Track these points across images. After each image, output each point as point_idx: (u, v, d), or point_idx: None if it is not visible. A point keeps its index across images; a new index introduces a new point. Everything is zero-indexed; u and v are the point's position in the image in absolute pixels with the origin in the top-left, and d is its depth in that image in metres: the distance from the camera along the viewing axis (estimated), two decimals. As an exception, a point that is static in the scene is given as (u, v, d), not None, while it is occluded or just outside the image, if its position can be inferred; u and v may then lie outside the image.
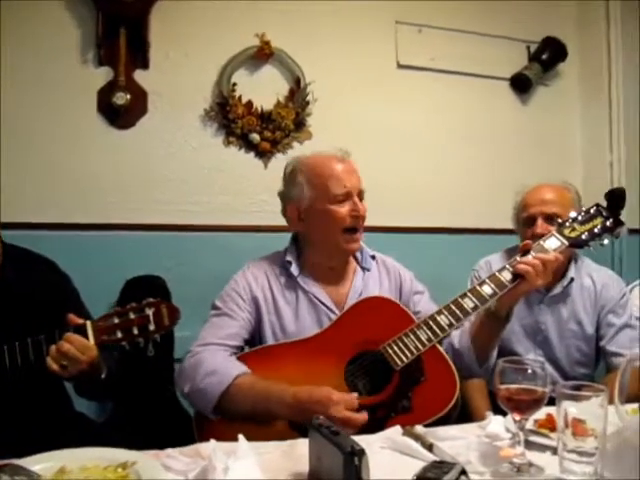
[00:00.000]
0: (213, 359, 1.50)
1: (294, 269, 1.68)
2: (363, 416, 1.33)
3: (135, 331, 1.40)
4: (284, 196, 1.75)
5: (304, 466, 1.02)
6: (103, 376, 1.51)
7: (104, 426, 2.24)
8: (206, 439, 1.20)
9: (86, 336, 1.39)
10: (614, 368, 1.89)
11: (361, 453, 0.86)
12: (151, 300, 1.43)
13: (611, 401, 1.08)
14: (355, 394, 1.37)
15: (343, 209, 1.62)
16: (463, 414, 1.60)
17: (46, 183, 2.45)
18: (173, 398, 2.47)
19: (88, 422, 1.83)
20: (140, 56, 2.61)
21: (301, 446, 1.13)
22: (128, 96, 2.54)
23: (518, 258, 1.54)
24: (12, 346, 1.40)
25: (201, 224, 2.67)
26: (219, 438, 1.15)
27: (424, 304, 1.72)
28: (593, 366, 2.02)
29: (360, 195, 1.65)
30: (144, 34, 2.58)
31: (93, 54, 2.56)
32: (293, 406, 1.37)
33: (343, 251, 1.67)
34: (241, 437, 1.06)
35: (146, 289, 2.54)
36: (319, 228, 1.66)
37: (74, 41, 2.54)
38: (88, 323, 1.40)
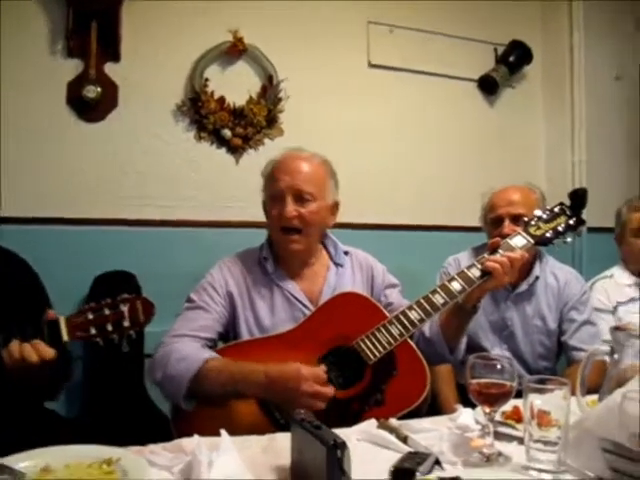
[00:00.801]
0: (183, 347, 1.52)
1: (269, 265, 1.70)
2: (330, 390, 1.38)
3: (109, 327, 1.37)
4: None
5: (285, 460, 1.05)
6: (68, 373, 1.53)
7: (75, 423, 2.23)
8: (184, 434, 1.23)
9: (59, 332, 1.38)
10: (574, 362, 1.99)
11: (343, 446, 0.89)
12: (126, 296, 1.40)
13: (573, 393, 1.15)
14: (323, 367, 1.42)
15: (274, 209, 1.66)
16: (432, 406, 1.66)
17: (12, 176, 2.40)
18: (144, 394, 2.48)
19: (59, 419, 1.83)
20: (111, 49, 2.58)
21: (281, 440, 1.16)
22: (99, 89, 2.52)
23: (486, 256, 1.60)
24: None
25: (171, 219, 2.67)
26: (196, 432, 1.17)
27: (396, 297, 1.75)
28: (554, 360, 2.11)
29: (299, 196, 1.63)
30: (115, 27, 2.56)
31: (62, 45, 2.53)
32: (265, 384, 1.40)
33: (284, 251, 1.69)
34: (223, 432, 1.08)
35: (116, 285, 2.52)
36: (268, 225, 1.72)
37: (43, 31, 2.50)
38: (62, 319, 1.38)
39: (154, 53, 2.64)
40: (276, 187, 1.65)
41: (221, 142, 2.74)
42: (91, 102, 2.52)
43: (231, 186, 2.76)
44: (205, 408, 1.48)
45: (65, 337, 1.36)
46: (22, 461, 0.99)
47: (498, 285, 1.58)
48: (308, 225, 1.64)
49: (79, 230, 2.52)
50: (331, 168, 1.74)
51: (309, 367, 1.40)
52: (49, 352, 1.32)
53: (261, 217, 2.54)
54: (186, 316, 1.62)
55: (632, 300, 2.16)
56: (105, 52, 2.56)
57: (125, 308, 1.39)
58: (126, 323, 1.38)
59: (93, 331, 1.37)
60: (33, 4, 2.48)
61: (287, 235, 1.65)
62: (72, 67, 2.53)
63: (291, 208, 1.62)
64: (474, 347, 1.91)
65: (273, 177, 1.68)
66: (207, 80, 2.69)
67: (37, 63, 2.48)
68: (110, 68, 2.58)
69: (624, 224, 2.30)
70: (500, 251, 1.60)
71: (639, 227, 2.24)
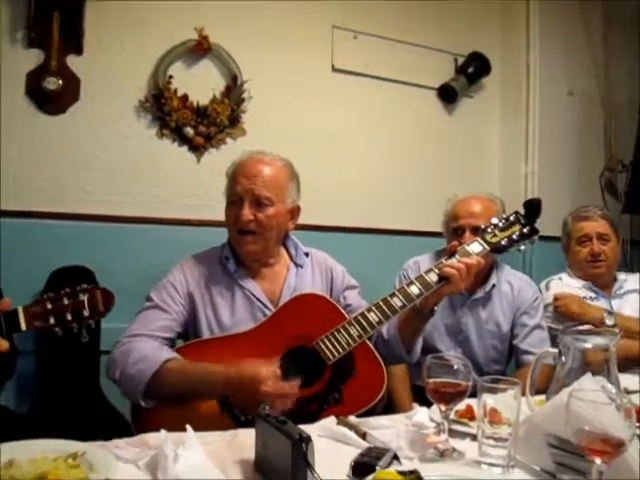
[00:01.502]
0: (142, 347, 1.53)
1: (230, 265, 1.72)
2: (291, 386, 1.41)
3: (69, 317, 1.35)
4: None
5: (248, 454, 1.08)
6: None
7: (27, 419, 2.20)
8: (143, 430, 1.25)
9: (17, 321, 1.37)
10: (523, 364, 2.09)
11: (308, 440, 0.93)
12: (85, 286, 1.40)
13: (523, 393, 1.22)
14: (276, 366, 1.42)
15: (231, 211, 1.69)
16: (387, 405, 1.72)
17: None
18: (97, 391, 2.46)
19: (11, 415, 1.80)
20: (74, 41, 2.54)
21: (243, 436, 1.19)
22: (60, 81, 2.48)
23: (444, 261, 1.66)
24: None
25: (131, 215, 2.65)
26: (155, 428, 1.19)
27: (355, 298, 1.80)
28: (505, 363, 2.20)
29: (257, 200, 1.66)
30: (79, 19, 2.52)
31: (22, 34, 2.47)
32: (223, 386, 1.42)
33: (240, 252, 1.72)
34: (189, 427, 1.10)
35: (72, 280, 2.46)
36: (227, 226, 1.74)
37: (3, 19, 2.43)
38: (20, 308, 1.36)
39: (118, 48, 2.61)
40: (235, 190, 1.68)
41: (183, 140, 2.73)
42: (51, 94, 2.48)
43: (192, 184, 2.76)
44: (165, 405, 1.49)
45: (23, 327, 1.35)
46: (-15, 456, 0.99)
47: (455, 290, 1.64)
48: (264, 229, 1.67)
49: (36, 223, 2.48)
50: (293, 171, 1.76)
51: (266, 366, 1.41)
52: (3, 344, 1.30)
53: (220, 216, 2.55)
54: (145, 315, 1.63)
55: (587, 299, 2.27)
56: (67, 44, 2.52)
57: (85, 298, 1.37)
58: (86, 312, 1.36)
59: (52, 321, 1.35)
60: (-6, -9, 2.43)
61: (243, 236, 1.68)
62: (33, 57, 2.48)
63: (247, 212, 1.65)
64: (429, 349, 1.98)
65: (234, 179, 1.70)
66: (171, 77, 2.68)
67: (-4, 51, 2.43)
68: (72, 61, 2.54)
69: (569, 233, 2.43)
70: (457, 256, 1.66)
71: (583, 236, 2.36)
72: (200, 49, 2.72)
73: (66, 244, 2.51)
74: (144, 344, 1.54)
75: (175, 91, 2.68)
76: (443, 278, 1.61)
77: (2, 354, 1.30)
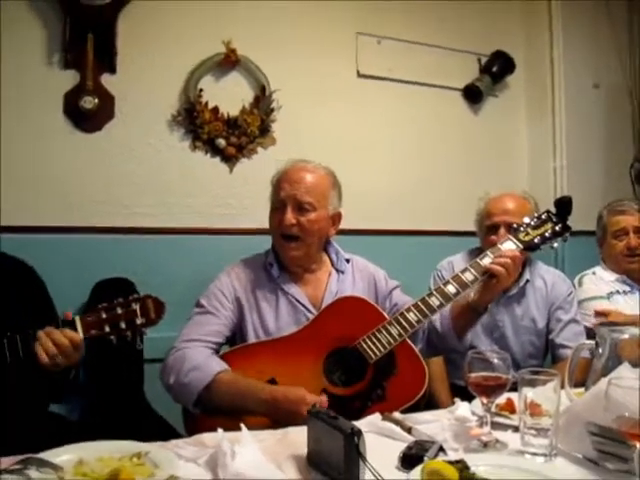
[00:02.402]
0: (196, 355, 1.60)
1: (275, 271, 1.79)
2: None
3: (123, 325, 1.45)
4: None
5: (301, 450, 1.13)
6: (71, 376, 1.59)
7: (79, 425, 2.28)
8: (196, 429, 1.33)
9: (76, 330, 1.44)
10: (560, 358, 2.10)
11: (359, 433, 0.98)
12: (137, 295, 1.50)
13: (562, 386, 1.25)
14: (325, 397, 1.48)
15: (275, 216, 1.76)
16: (427, 403, 1.75)
17: (11, 185, 2.43)
18: (142, 397, 2.54)
19: (64, 421, 1.88)
20: (107, 60, 2.62)
21: (294, 434, 1.25)
22: (96, 100, 2.56)
23: (478, 260, 1.70)
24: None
25: (167, 227, 2.72)
26: (206, 429, 1.27)
27: (399, 297, 1.86)
28: (542, 358, 2.21)
29: (299, 205, 1.72)
30: (112, 39, 2.60)
31: (59, 57, 2.57)
32: (269, 403, 1.48)
33: (283, 257, 1.78)
34: (243, 426, 1.16)
35: (115, 291, 2.56)
36: (271, 232, 1.80)
37: (39, 43, 2.54)
38: (77, 317, 1.45)
39: (150, 65, 2.70)
40: (278, 196, 1.75)
41: (215, 151, 2.80)
42: (88, 113, 2.56)
43: (225, 194, 2.82)
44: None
45: (81, 335, 1.43)
46: (57, 456, 1.06)
47: (505, 285, 1.69)
48: (306, 233, 1.73)
49: (76, 238, 2.56)
50: (335, 179, 1.84)
51: (313, 395, 1.46)
52: (76, 336, 1.40)
53: (254, 224, 2.61)
54: (197, 321, 1.70)
55: (621, 293, 2.27)
56: (101, 64, 2.61)
57: (137, 306, 1.47)
58: (138, 321, 1.46)
59: (107, 329, 1.45)
60: (30, 16, 2.53)
61: (286, 242, 1.74)
62: (69, 78, 2.57)
63: (290, 216, 1.71)
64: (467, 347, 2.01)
65: (278, 186, 1.77)
66: (201, 91, 2.75)
67: (34, 74, 2.52)
68: (106, 79, 2.63)
69: (605, 227, 2.42)
70: (491, 255, 1.70)
71: (619, 230, 2.36)
72: (228, 62, 2.79)
73: (106, 257, 2.59)
74: (197, 352, 1.61)
75: (206, 104, 2.76)
76: (492, 275, 1.65)
77: (79, 347, 1.41)
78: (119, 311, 1.46)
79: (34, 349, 1.40)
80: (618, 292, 2.26)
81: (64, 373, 1.53)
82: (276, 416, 1.47)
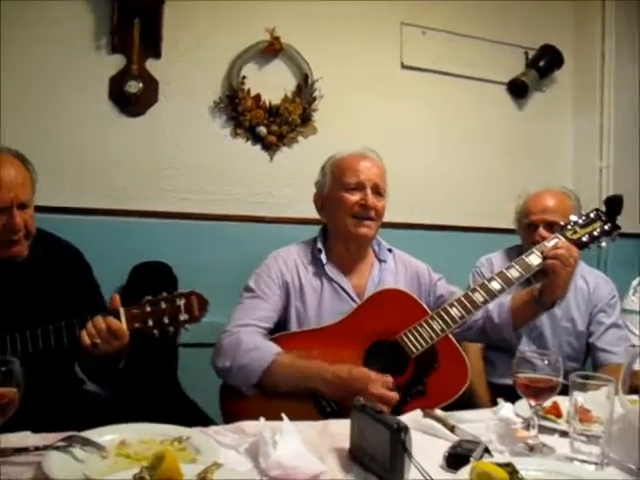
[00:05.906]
0: (251, 338, 1.60)
1: (323, 257, 1.78)
2: (396, 395, 1.45)
3: (166, 320, 1.46)
4: (315, 185, 1.88)
5: (342, 443, 1.12)
6: (121, 365, 1.59)
7: (115, 402, 2.31)
8: (233, 417, 1.33)
9: (120, 321, 1.46)
10: (601, 363, 2.04)
11: (406, 429, 0.96)
12: (182, 291, 1.50)
13: (615, 392, 1.20)
14: (390, 377, 1.48)
15: (353, 197, 1.74)
16: (466, 403, 1.72)
17: (55, 167, 2.45)
18: (175, 382, 2.55)
19: (102, 400, 1.90)
20: (152, 45, 2.64)
21: (334, 426, 1.24)
22: (140, 85, 2.58)
23: (524, 257, 1.67)
24: (46, 328, 1.46)
25: (206, 213, 2.73)
26: (244, 416, 1.26)
27: (444, 288, 1.84)
28: (582, 361, 2.15)
29: (376, 190, 1.76)
30: (157, 24, 2.62)
31: (106, 41, 2.59)
32: (333, 382, 1.49)
33: (353, 236, 1.76)
34: (284, 416, 1.15)
35: (153, 275, 2.60)
36: (333, 214, 1.79)
37: (87, 27, 2.57)
38: (122, 309, 1.46)
39: (194, 51, 2.70)
40: (357, 178, 1.74)
41: (256, 139, 2.80)
42: (132, 97, 2.58)
43: (265, 182, 2.82)
44: (255, 395, 1.55)
45: (124, 327, 1.44)
46: (102, 435, 1.07)
47: (566, 277, 1.65)
48: (379, 217, 1.77)
49: (118, 221, 2.59)
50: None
51: (377, 373, 1.48)
52: (115, 323, 1.43)
53: (292, 213, 2.58)
54: (247, 305, 1.70)
55: None
56: (147, 49, 2.63)
57: (181, 303, 1.47)
58: (182, 317, 1.46)
59: (150, 323, 1.46)
60: (79, 1, 2.55)
61: (361, 221, 1.74)
62: (115, 63, 2.60)
63: (372, 198, 1.73)
64: (504, 347, 1.96)
65: (351, 169, 1.76)
66: (244, 78, 2.75)
67: (82, 58, 2.55)
68: (151, 64, 2.65)
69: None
70: (536, 251, 1.67)
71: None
72: (272, 50, 2.78)
73: (146, 240, 2.61)
74: (252, 336, 1.61)
75: (248, 91, 2.75)
76: (545, 272, 1.63)
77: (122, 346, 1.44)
78: (163, 306, 1.47)
79: (78, 335, 1.42)
80: None
81: (113, 361, 1.54)
82: (340, 395, 1.47)
